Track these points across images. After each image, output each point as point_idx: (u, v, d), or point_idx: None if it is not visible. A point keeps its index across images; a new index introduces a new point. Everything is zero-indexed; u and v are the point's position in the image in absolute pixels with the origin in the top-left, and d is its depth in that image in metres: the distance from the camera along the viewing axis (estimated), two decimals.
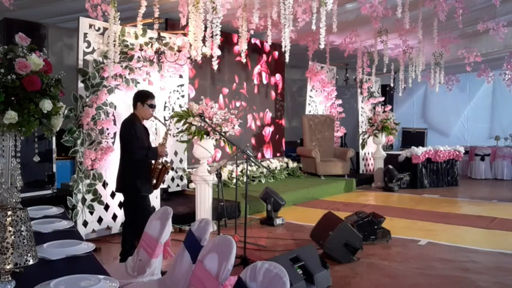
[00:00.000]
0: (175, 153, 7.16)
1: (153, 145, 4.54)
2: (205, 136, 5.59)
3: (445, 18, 6.48)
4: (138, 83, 5.82)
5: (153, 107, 4.31)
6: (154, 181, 4.39)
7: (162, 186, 6.07)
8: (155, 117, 4.61)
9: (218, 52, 5.58)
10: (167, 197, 6.87)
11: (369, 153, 11.30)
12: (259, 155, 9.90)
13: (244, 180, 5.09)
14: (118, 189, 4.47)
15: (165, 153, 4.40)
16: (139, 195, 4.25)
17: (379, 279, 4.23)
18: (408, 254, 5.01)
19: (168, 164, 4.50)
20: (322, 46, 5.07)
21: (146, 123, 4.55)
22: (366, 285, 4.12)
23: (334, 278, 4.09)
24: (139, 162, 4.22)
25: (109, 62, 5.08)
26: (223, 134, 5.41)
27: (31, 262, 1.73)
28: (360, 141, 11.10)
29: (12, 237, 1.69)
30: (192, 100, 6.89)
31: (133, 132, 4.15)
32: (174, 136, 6.33)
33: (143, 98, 4.28)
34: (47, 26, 5.77)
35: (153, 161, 4.37)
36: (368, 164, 11.34)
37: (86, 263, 2.25)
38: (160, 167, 4.37)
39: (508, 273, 4.41)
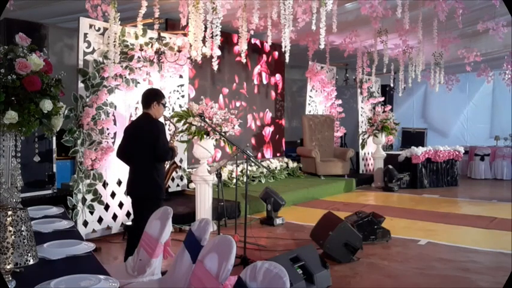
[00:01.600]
0: None
1: None
2: (205, 136, 5.59)
3: (445, 18, 6.48)
4: (138, 83, 5.82)
5: (165, 106, 4.30)
6: None
7: None
8: (165, 117, 4.60)
9: (218, 52, 5.58)
10: (167, 197, 6.85)
11: (368, 153, 11.30)
12: (259, 155, 9.90)
13: (244, 180, 5.09)
14: (143, 191, 4.05)
15: (177, 153, 4.42)
16: (162, 198, 4.11)
17: (379, 279, 4.23)
18: (408, 254, 5.01)
19: (176, 163, 4.51)
20: (322, 46, 5.08)
21: None
22: (366, 285, 4.12)
23: (334, 278, 4.09)
24: (163, 163, 4.19)
25: (109, 62, 5.09)
26: (223, 134, 5.41)
27: (31, 262, 1.74)
28: (360, 141, 11.10)
29: (13, 237, 1.69)
30: (192, 100, 6.88)
31: (164, 132, 4.06)
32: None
33: (159, 98, 4.17)
34: (47, 26, 5.77)
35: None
36: (368, 164, 11.34)
37: (86, 262, 2.25)
38: (168, 166, 4.38)
39: (508, 273, 4.39)
